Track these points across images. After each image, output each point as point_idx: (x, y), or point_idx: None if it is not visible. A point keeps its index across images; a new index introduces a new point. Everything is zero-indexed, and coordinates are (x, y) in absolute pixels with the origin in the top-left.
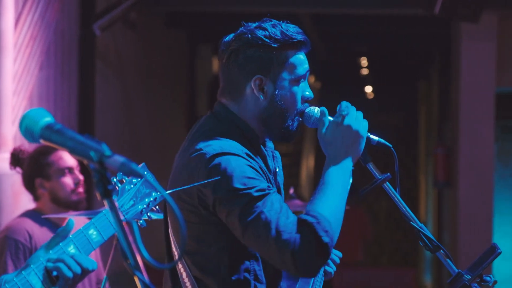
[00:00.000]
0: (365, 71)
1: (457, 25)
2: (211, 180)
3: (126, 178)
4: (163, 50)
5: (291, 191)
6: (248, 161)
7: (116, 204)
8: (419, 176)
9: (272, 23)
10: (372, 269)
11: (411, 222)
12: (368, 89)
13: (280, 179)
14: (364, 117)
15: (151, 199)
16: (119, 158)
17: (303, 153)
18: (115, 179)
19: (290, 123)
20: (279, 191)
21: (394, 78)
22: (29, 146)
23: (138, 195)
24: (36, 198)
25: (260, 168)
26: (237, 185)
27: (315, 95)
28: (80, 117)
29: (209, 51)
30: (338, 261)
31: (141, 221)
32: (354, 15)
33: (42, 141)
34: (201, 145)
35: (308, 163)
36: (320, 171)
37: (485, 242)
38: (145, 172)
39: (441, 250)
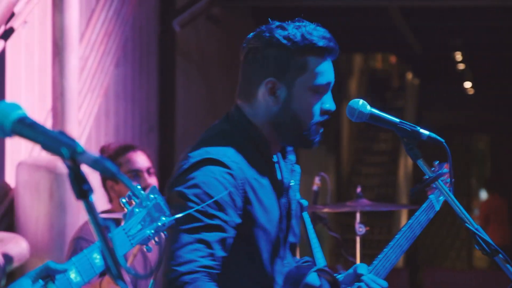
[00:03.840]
0: (461, 66)
1: None
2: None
3: (136, 200)
4: None
5: (358, 190)
6: (229, 176)
7: (94, 205)
8: None
9: (297, 24)
10: (465, 272)
11: (466, 224)
12: (467, 84)
13: (293, 192)
14: (465, 116)
15: (160, 223)
16: (92, 155)
17: (401, 151)
18: (124, 200)
19: (307, 133)
20: (288, 204)
21: (496, 73)
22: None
23: (147, 219)
24: (110, 200)
25: (255, 180)
26: (194, 205)
27: (414, 91)
28: (161, 115)
29: None
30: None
31: (147, 247)
32: (447, 7)
33: (14, 136)
34: (193, 147)
35: (406, 162)
36: (419, 170)
37: None
38: (156, 195)
39: (500, 255)
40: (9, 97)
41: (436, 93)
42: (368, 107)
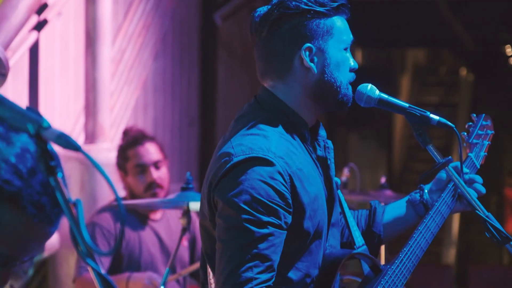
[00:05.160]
0: None
1: None
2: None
3: None
4: None
5: (383, 180)
6: (277, 176)
7: (62, 181)
8: None
9: None
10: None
11: (477, 211)
12: None
13: (331, 172)
14: None
15: None
16: (56, 130)
17: (454, 148)
18: None
19: (344, 93)
20: (330, 185)
21: None
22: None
23: None
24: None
25: (299, 170)
26: (245, 215)
27: (468, 88)
28: (202, 109)
29: None
30: None
31: None
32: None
33: None
34: (234, 141)
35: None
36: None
37: None
38: None
39: (511, 242)
40: (43, 89)
41: (490, 89)
42: (377, 92)
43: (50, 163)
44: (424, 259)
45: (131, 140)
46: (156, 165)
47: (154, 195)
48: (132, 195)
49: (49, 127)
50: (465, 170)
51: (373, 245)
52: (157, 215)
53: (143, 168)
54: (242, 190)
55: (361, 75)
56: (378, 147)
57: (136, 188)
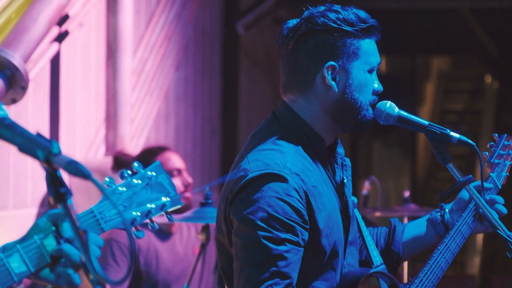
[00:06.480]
0: None
1: None
2: (240, 215)
3: (127, 177)
4: None
5: (407, 194)
6: (293, 192)
7: (72, 208)
8: None
9: (341, 6)
10: None
11: (498, 230)
12: None
13: (348, 190)
14: None
15: (156, 204)
16: (66, 157)
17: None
18: (108, 179)
19: (363, 114)
20: (346, 204)
21: None
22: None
23: (135, 200)
24: None
25: (313, 187)
26: (262, 232)
27: (493, 95)
28: (223, 118)
29: None
30: None
31: (136, 232)
32: None
33: None
34: (250, 156)
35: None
36: None
37: None
38: (156, 173)
39: None
40: (64, 100)
41: None
42: (396, 109)
43: (60, 189)
44: (448, 269)
45: (156, 148)
46: (185, 170)
47: (186, 199)
48: None
49: (59, 153)
50: (489, 186)
51: (392, 263)
52: (174, 228)
53: (178, 171)
54: (259, 207)
55: (386, 82)
56: (402, 155)
57: None
